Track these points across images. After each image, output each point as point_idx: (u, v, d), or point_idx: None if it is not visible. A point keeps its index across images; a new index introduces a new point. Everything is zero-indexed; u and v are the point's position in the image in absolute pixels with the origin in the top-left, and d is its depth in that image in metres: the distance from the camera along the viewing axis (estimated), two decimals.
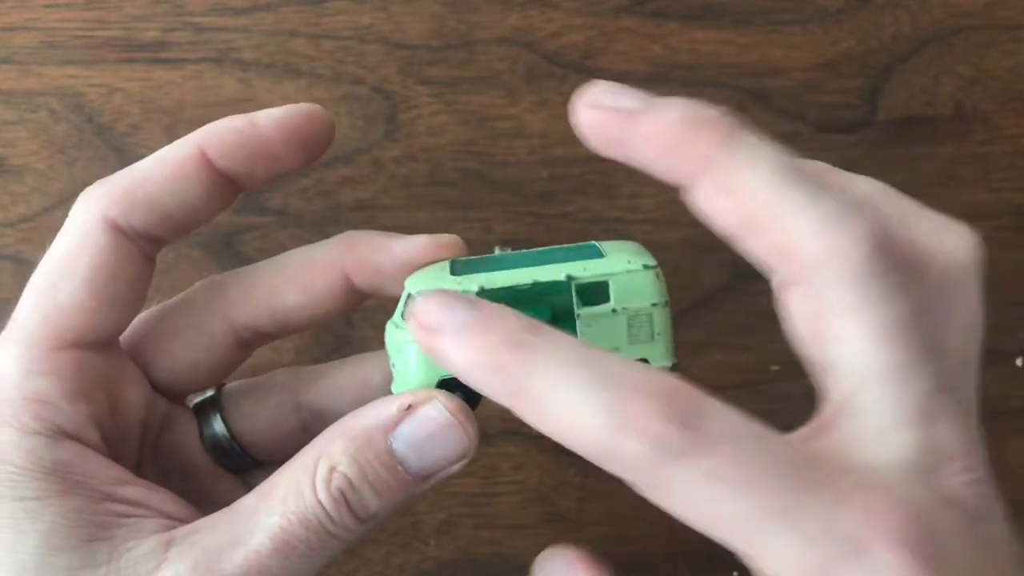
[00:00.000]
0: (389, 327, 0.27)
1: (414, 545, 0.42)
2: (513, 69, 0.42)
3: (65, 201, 0.41)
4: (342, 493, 0.25)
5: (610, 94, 0.24)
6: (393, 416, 0.25)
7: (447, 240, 0.29)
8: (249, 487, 0.29)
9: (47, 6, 0.42)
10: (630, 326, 0.26)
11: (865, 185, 0.24)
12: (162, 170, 0.28)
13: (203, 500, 0.28)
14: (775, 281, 0.23)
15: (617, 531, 0.42)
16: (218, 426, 0.30)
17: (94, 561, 0.24)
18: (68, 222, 0.27)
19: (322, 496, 0.25)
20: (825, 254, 0.21)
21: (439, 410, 0.25)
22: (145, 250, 0.28)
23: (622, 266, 0.26)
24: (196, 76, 0.42)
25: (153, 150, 0.41)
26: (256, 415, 0.31)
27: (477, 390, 0.22)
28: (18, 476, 0.25)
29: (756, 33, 0.42)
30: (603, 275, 0.26)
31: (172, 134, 0.42)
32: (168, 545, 0.25)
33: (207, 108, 0.42)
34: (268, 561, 0.24)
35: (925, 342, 0.21)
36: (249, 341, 0.30)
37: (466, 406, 0.26)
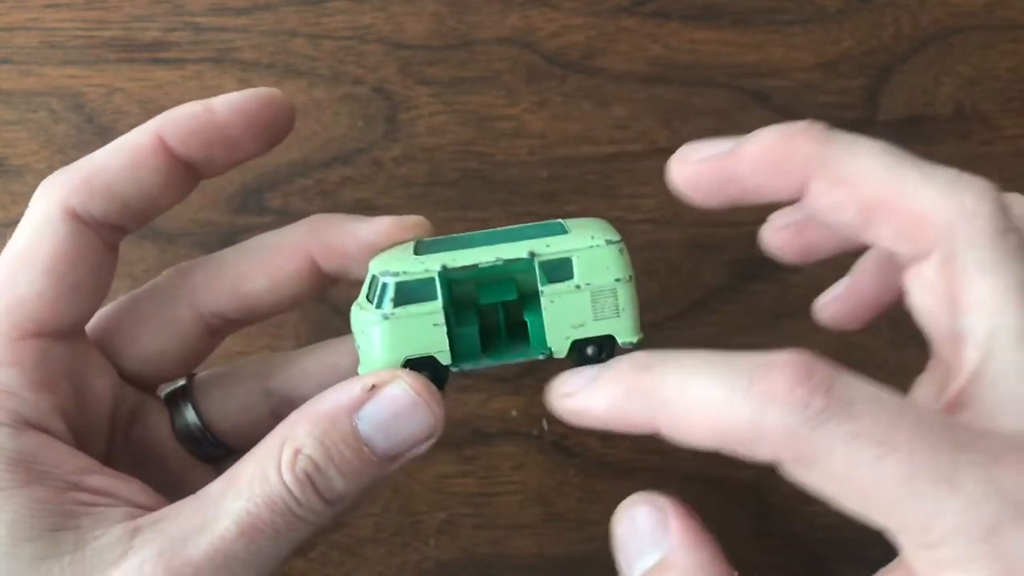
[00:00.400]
0: (354, 309, 0.27)
1: (414, 545, 0.42)
2: (513, 69, 0.42)
3: None
4: (307, 475, 0.25)
5: (701, 145, 0.25)
6: (357, 397, 0.25)
7: (412, 221, 0.29)
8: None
9: (47, 6, 0.42)
10: (594, 302, 0.26)
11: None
12: (120, 158, 0.27)
13: (176, 490, 0.28)
14: (902, 262, 0.24)
15: None
16: (190, 415, 0.30)
17: (59, 550, 0.24)
18: (28, 211, 0.27)
19: (287, 479, 0.24)
20: (955, 215, 0.22)
21: (403, 389, 0.25)
22: (106, 239, 0.28)
23: (585, 242, 0.26)
24: (196, 76, 0.42)
25: None
26: (227, 403, 0.31)
27: (622, 428, 0.23)
28: None
29: (756, 33, 0.42)
30: (566, 251, 0.26)
31: None
32: (134, 533, 0.25)
33: None
34: (234, 546, 0.24)
35: None
36: (218, 328, 0.30)
37: (431, 385, 0.26)
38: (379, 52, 0.42)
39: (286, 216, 0.42)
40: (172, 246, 0.42)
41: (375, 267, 0.27)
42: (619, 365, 0.23)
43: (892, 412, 0.20)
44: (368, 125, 0.42)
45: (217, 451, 0.31)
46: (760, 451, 0.21)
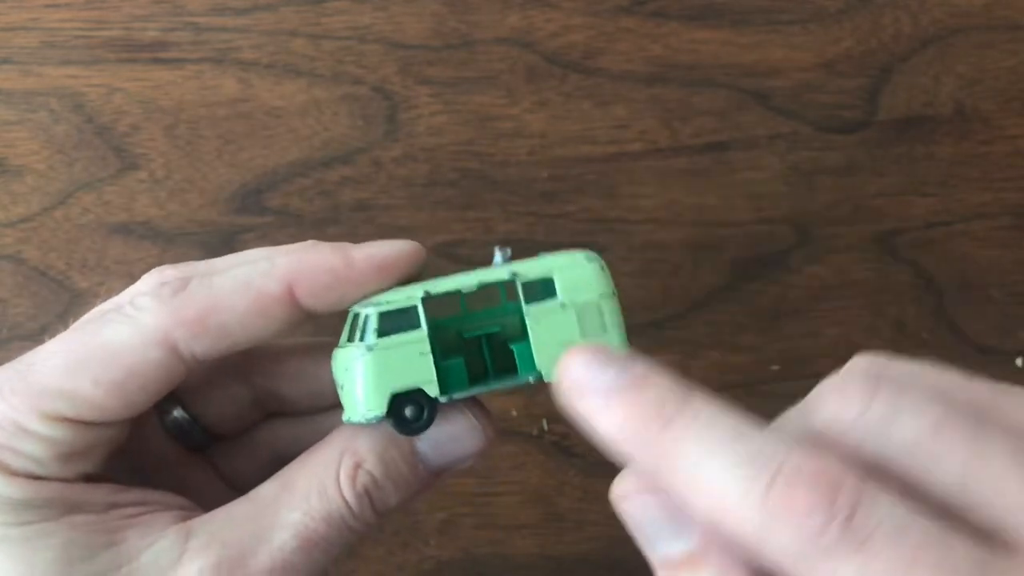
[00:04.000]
0: (335, 353, 0.26)
1: (414, 545, 0.42)
2: (513, 69, 0.42)
3: (65, 201, 0.41)
4: (366, 490, 0.25)
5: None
6: None
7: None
8: (214, 466, 0.30)
9: (47, 6, 0.42)
10: (580, 319, 0.26)
11: None
12: (244, 301, 0.26)
13: (174, 486, 0.28)
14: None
15: (617, 531, 0.42)
16: (177, 411, 0.30)
17: (115, 563, 0.25)
18: (132, 310, 0.26)
19: (347, 493, 0.25)
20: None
21: (464, 412, 0.26)
22: (191, 366, 0.26)
23: (565, 260, 0.26)
24: (196, 76, 0.42)
25: (153, 150, 0.42)
26: (212, 396, 0.30)
27: (621, 455, 0.21)
28: (16, 505, 0.25)
29: (756, 33, 0.42)
30: (547, 270, 0.26)
31: (172, 134, 0.42)
32: (187, 536, 0.25)
33: (207, 108, 0.42)
34: (292, 558, 0.25)
35: None
36: (193, 368, 0.27)
37: (485, 408, 0.26)
38: (379, 52, 0.42)
39: (286, 216, 0.42)
40: (172, 246, 0.42)
41: (355, 306, 0.26)
42: (642, 394, 0.21)
43: (912, 546, 0.18)
44: (368, 125, 0.42)
45: (207, 441, 0.31)
46: (760, 553, 0.19)
